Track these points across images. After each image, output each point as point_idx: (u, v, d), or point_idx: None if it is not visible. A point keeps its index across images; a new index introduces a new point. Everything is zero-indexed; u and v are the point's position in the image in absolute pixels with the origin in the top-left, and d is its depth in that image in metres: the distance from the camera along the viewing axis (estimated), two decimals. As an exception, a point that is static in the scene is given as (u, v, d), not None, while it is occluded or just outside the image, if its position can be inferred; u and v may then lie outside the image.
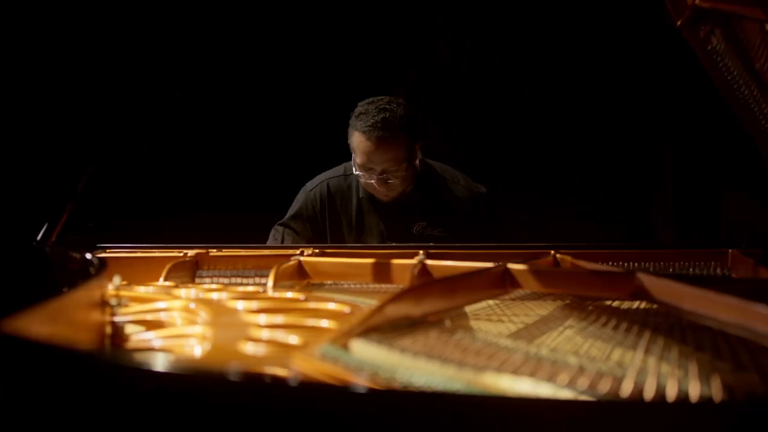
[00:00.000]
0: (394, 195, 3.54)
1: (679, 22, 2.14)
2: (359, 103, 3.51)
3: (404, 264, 2.43)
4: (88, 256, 2.19)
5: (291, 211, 3.73)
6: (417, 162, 3.56)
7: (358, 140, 3.43)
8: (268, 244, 3.61)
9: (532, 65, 5.16)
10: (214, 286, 2.40)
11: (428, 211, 3.62)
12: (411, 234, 3.58)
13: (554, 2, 5.09)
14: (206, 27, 4.02)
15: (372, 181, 3.47)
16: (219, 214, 4.49)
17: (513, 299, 2.20)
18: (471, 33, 5.27)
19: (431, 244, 3.00)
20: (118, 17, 4.13)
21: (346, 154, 3.60)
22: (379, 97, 3.50)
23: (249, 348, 1.53)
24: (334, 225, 3.68)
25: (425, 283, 2.06)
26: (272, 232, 3.71)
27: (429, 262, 2.41)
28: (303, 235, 3.66)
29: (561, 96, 5.18)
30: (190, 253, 2.70)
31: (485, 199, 3.72)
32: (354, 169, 3.53)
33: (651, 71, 4.97)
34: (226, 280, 2.66)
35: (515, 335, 1.75)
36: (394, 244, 3.43)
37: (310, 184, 3.75)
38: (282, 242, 3.63)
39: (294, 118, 5.08)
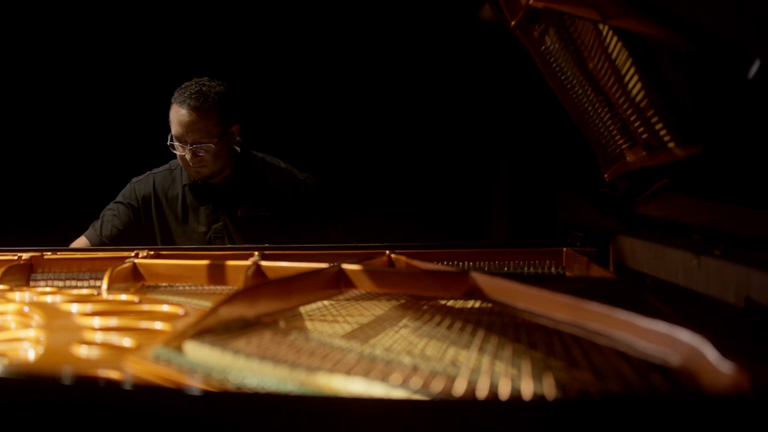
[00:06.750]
0: (206, 173, 3.60)
1: (513, 23, 2.16)
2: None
3: (239, 265, 2.43)
4: None
5: (117, 198, 3.79)
6: (235, 146, 3.70)
7: (173, 112, 3.54)
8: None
9: (371, 64, 5.18)
10: (48, 289, 2.36)
11: (250, 195, 3.70)
12: (236, 217, 3.68)
13: (395, 4, 5.13)
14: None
15: (184, 154, 3.52)
16: (53, 217, 4.42)
17: (348, 300, 2.20)
18: (296, 32, 5.28)
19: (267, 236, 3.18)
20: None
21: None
22: (203, 78, 3.60)
23: (83, 351, 1.51)
24: (161, 216, 3.74)
25: (259, 284, 2.04)
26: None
27: (263, 263, 2.41)
28: (123, 221, 3.72)
29: (396, 95, 5.20)
30: (25, 256, 2.68)
31: (312, 190, 3.81)
32: (169, 142, 3.57)
33: (487, 72, 5.03)
34: (61, 283, 2.65)
35: (350, 335, 1.75)
36: (219, 225, 3.66)
37: (136, 178, 3.81)
38: (102, 223, 3.71)
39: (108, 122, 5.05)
